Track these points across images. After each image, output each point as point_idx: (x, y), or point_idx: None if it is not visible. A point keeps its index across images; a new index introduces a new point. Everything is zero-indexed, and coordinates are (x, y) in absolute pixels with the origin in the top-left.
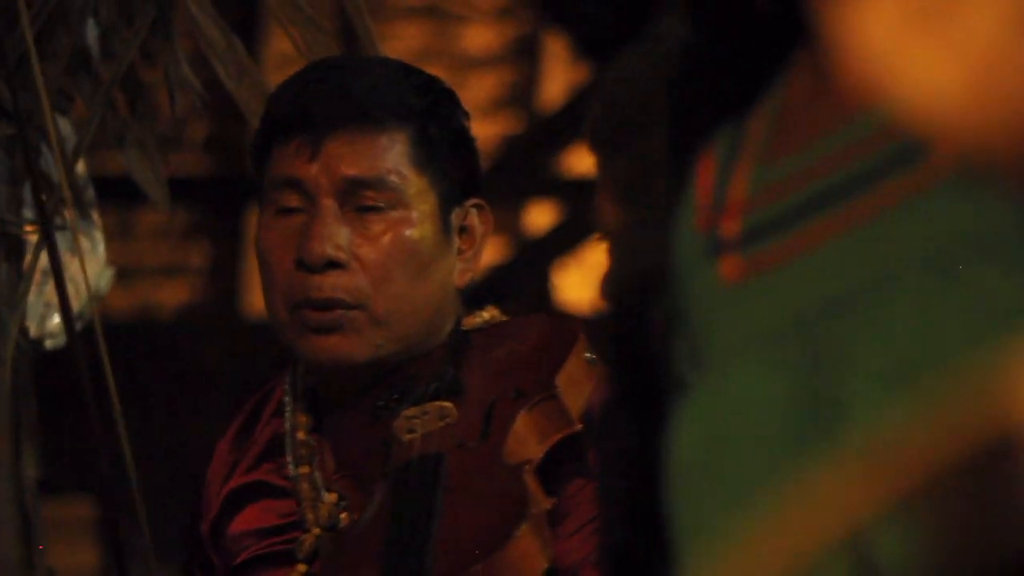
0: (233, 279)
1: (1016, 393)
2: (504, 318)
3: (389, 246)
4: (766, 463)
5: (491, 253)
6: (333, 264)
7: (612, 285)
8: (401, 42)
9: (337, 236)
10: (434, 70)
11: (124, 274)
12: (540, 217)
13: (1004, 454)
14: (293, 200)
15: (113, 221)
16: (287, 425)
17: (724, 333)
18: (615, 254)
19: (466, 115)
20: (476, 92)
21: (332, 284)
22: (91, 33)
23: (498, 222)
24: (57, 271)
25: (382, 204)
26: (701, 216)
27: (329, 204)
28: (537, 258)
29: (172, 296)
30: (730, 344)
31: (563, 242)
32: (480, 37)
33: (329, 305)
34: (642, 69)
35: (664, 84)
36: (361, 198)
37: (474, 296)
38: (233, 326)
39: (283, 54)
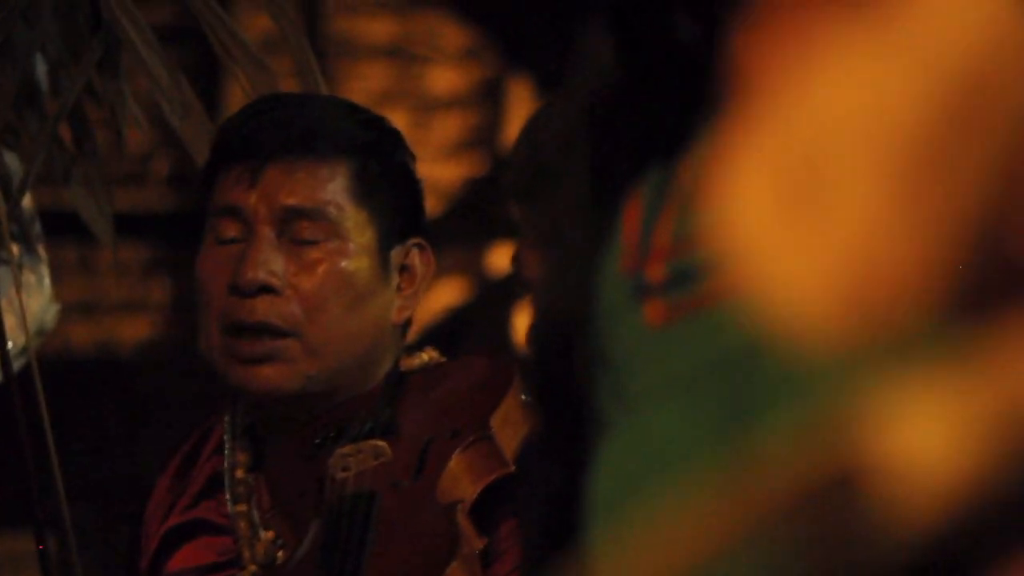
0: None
1: (858, 429)
2: (442, 360)
3: (324, 276)
4: (681, 505)
5: (452, 294)
6: (266, 290)
7: (535, 332)
8: (365, 82)
9: (272, 262)
10: (398, 111)
11: (85, 309)
12: (502, 259)
13: (845, 484)
14: (232, 229)
15: (73, 256)
16: (226, 463)
17: (646, 375)
18: (537, 302)
19: (411, 156)
20: (440, 133)
21: (264, 309)
22: (40, 69)
23: (460, 263)
24: None
25: (320, 237)
26: (626, 258)
27: (266, 232)
28: (498, 299)
29: (133, 332)
30: (651, 386)
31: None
32: (444, 79)
33: (260, 329)
34: (561, 116)
35: (583, 126)
36: (298, 227)
37: (429, 336)
38: (194, 362)
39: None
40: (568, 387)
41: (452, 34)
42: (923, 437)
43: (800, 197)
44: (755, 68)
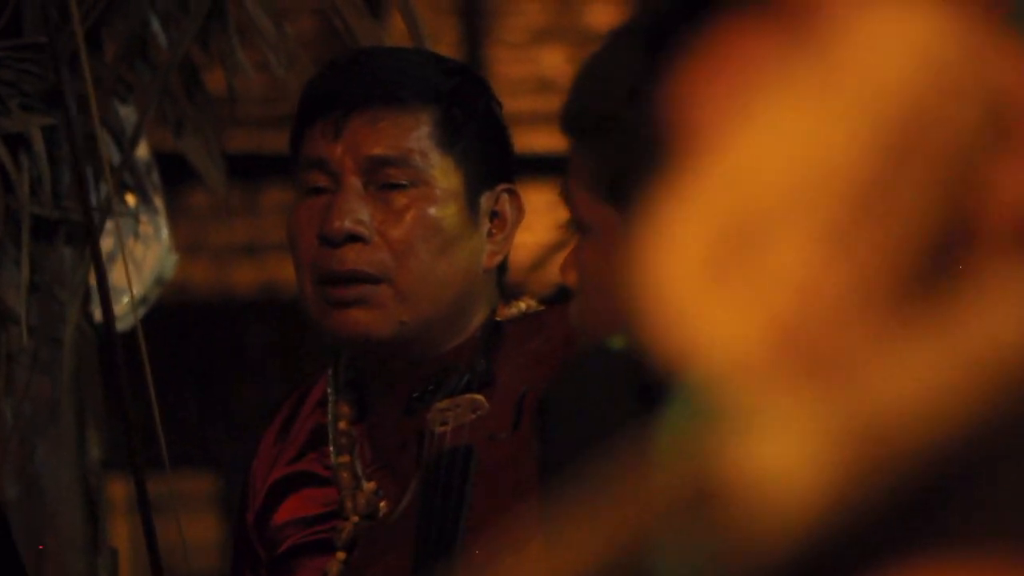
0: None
1: (721, 445)
2: (540, 308)
3: (412, 222)
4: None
5: None
6: (355, 238)
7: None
8: (523, 18)
9: (358, 212)
10: (556, 47)
11: (251, 250)
12: None
13: (708, 500)
14: (320, 180)
15: (239, 198)
16: (330, 415)
17: None
18: (595, 248)
19: (498, 103)
20: None
21: (354, 258)
22: (152, 22)
23: None
24: (96, 257)
25: (405, 182)
26: None
27: (353, 182)
28: None
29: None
30: None
31: None
32: (602, 14)
33: (351, 278)
34: (623, 56)
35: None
36: (384, 176)
37: None
38: None
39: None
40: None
41: None
42: (782, 452)
43: (733, 252)
44: (693, 117)
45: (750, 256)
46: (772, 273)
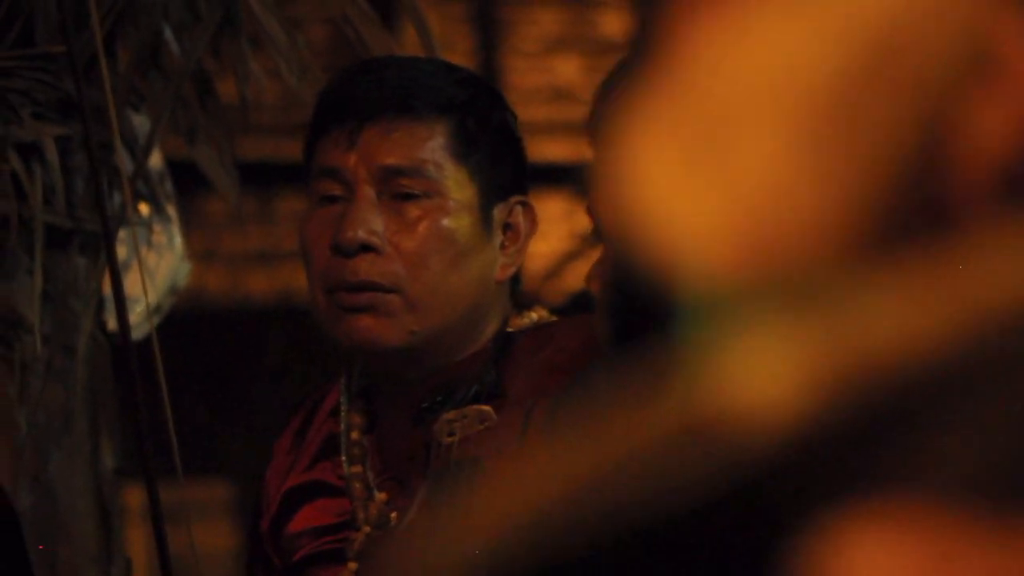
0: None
1: (713, 376)
2: (552, 319)
3: (425, 233)
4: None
5: None
6: (367, 248)
7: (614, 277)
8: (537, 28)
9: (372, 222)
10: (570, 56)
11: (265, 258)
12: None
13: (696, 431)
14: (334, 189)
15: (252, 206)
16: (342, 425)
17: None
18: (614, 257)
19: (512, 114)
20: None
21: (366, 268)
22: (164, 32)
23: None
24: (113, 267)
25: (418, 192)
26: None
27: (366, 192)
28: None
29: None
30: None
31: None
32: (616, 23)
33: (363, 287)
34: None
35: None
36: (397, 186)
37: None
38: None
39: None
40: (644, 323)
41: None
42: (770, 382)
43: (705, 152)
44: (670, 28)
45: (720, 154)
46: (741, 169)
